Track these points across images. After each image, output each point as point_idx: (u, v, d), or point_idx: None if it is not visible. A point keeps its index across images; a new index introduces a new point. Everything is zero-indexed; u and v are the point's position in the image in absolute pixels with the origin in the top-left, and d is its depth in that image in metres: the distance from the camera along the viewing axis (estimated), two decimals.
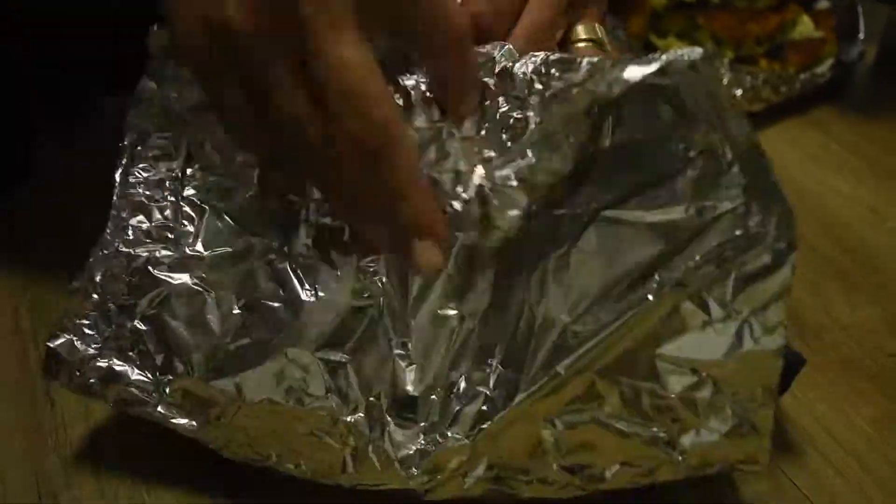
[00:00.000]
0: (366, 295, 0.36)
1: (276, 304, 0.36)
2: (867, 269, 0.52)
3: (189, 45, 0.32)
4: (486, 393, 0.36)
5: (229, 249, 0.37)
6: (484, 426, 0.36)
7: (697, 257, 0.32)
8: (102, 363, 0.37)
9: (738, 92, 0.60)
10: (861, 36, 0.67)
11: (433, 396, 0.36)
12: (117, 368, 0.37)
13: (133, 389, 0.37)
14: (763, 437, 0.34)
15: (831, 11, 0.67)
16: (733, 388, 0.34)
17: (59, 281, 0.49)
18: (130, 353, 0.37)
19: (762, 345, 0.33)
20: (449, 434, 0.36)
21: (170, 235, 0.38)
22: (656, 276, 0.33)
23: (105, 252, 0.38)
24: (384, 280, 0.36)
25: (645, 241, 0.33)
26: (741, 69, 0.61)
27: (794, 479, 0.41)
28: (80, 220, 0.53)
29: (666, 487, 0.39)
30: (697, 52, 0.59)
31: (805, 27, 0.65)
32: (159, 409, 0.38)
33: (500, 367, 0.36)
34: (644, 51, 0.61)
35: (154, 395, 0.37)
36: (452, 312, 0.36)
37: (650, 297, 0.33)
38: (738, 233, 0.32)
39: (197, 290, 0.37)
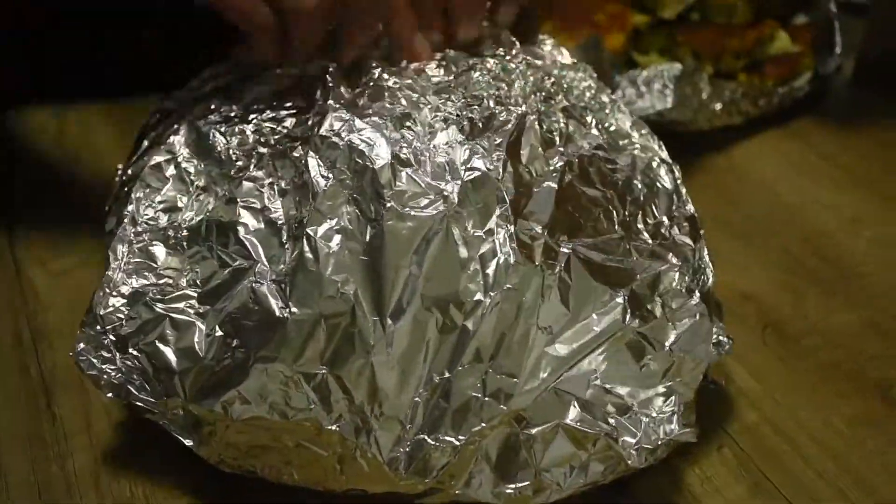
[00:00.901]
0: (338, 305, 0.37)
1: (252, 323, 0.37)
2: (846, 276, 0.53)
3: None
4: (476, 396, 0.38)
5: (218, 281, 0.39)
6: (475, 428, 0.37)
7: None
8: (116, 380, 0.39)
9: (718, 106, 0.62)
10: (838, 50, 0.69)
11: (416, 399, 0.37)
12: (128, 387, 0.39)
13: (143, 405, 0.39)
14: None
15: (808, 26, 0.69)
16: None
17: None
18: (133, 377, 0.39)
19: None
20: (435, 435, 0.37)
21: (164, 273, 0.40)
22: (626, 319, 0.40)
23: (107, 290, 0.40)
24: (357, 290, 0.37)
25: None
26: (721, 83, 0.63)
27: (775, 481, 0.42)
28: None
29: (645, 491, 0.40)
30: (677, 67, 0.62)
31: (782, 42, 0.66)
32: (168, 424, 0.39)
33: (491, 372, 0.38)
34: (626, 67, 0.63)
35: (158, 413, 0.39)
36: (432, 316, 0.37)
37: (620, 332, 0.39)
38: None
39: (189, 320, 0.38)
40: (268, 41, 0.45)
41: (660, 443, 0.39)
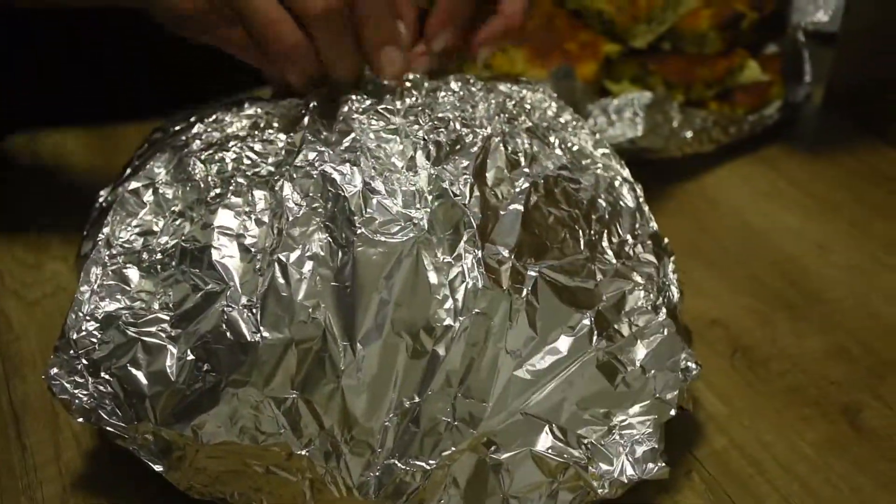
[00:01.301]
0: (309, 330, 0.37)
1: (223, 347, 0.37)
2: (812, 301, 0.54)
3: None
4: (446, 421, 0.38)
5: (190, 305, 0.39)
6: (445, 452, 0.38)
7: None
8: (87, 405, 0.39)
9: (689, 134, 0.63)
10: (807, 78, 0.70)
11: (387, 423, 0.37)
12: (99, 412, 0.39)
13: (113, 430, 0.39)
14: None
15: (778, 56, 0.70)
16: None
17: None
18: (105, 402, 0.39)
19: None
20: (406, 460, 0.37)
21: (136, 296, 0.40)
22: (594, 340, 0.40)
23: (80, 312, 0.40)
24: (328, 315, 0.38)
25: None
26: (692, 112, 0.64)
27: None
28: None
29: None
30: (647, 96, 0.63)
31: (752, 71, 0.68)
32: (138, 450, 0.39)
33: (460, 397, 0.38)
34: (598, 95, 0.63)
35: (129, 438, 0.39)
36: (402, 341, 0.38)
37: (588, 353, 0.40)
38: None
39: (160, 344, 0.38)
40: (295, 65, 0.46)
41: (635, 479, 0.39)
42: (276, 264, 0.38)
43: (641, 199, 0.47)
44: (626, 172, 0.48)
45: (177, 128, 0.47)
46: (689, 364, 0.42)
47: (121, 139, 0.65)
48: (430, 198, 0.40)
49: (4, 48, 0.65)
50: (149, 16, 0.48)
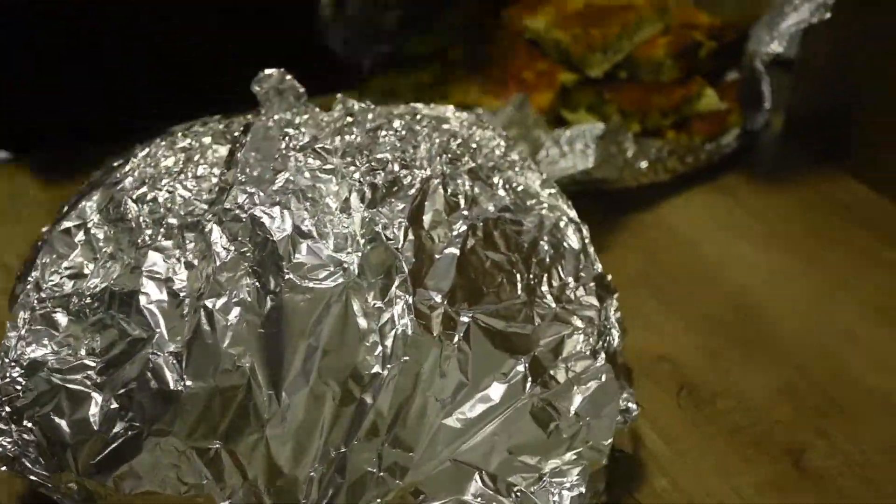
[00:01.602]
0: (233, 379, 0.37)
1: (147, 395, 0.37)
2: (762, 336, 0.54)
3: None
4: (372, 471, 0.37)
5: (117, 351, 0.38)
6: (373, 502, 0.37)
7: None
8: (11, 453, 0.38)
9: (644, 164, 0.63)
10: (767, 105, 0.70)
11: (312, 473, 0.37)
12: (23, 460, 0.38)
13: (37, 479, 0.38)
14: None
15: (735, 82, 0.70)
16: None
17: None
18: (29, 450, 0.38)
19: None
20: None
21: (64, 341, 0.39)
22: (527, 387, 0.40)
23: (5, 359, 0.39)
24: (254, 363, 0.37)
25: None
26: (647, 141, 0.63)
27: None
28: None
29: None
30: (599, 127, 0.62)
31: (710, 100, 0.67)
32: (62, 498, 0.39)
33: (387, 446, 0.38)
34: (554, 124, 0.63)
35: (52, 487, 0.38)
36: (329, 389, 0.37)
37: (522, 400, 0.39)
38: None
39: (85, 392, 0.38)
40: None
41: None
42: (202, 310, 0.38)
43: (587, 241, 0.47)
44: (573, 213, 0.47)
45: (114, 164, 0.46)
46: (630, 405, 0.42)
47: (76, 172, 0.64)
48: (362, 241, 0.40)
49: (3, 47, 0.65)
50: None
